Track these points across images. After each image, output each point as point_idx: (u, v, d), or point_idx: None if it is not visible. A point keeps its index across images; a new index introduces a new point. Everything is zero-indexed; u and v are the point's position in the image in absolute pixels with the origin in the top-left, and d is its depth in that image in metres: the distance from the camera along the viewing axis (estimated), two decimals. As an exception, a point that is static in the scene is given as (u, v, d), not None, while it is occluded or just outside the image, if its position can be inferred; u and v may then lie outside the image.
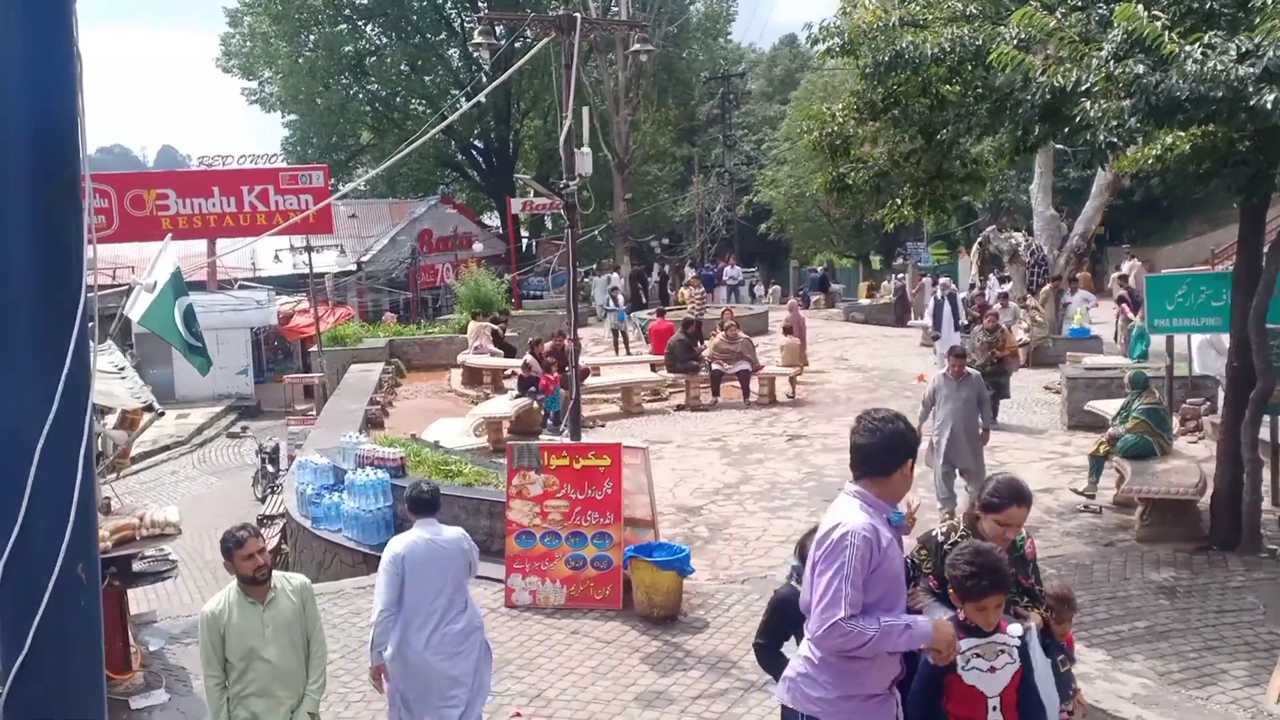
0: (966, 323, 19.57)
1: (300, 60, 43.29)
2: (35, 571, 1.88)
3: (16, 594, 1.89)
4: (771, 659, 4.58)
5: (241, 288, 31.63)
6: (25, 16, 1.91)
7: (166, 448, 23.70)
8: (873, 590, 3.74)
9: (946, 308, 19.77)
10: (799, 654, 4.02)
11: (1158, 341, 14.26)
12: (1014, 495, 4.38)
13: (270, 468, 19.48)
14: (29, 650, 1.87)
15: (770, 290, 40.37)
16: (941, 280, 23.49)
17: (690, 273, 33.77)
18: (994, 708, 3.92)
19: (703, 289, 28.12)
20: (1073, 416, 14.46)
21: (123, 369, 7.81)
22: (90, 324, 2.03)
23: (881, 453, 3.87)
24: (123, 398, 7.31)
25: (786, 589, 4.67)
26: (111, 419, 7.90)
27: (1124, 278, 22.38)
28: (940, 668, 3.90)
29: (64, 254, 1.96)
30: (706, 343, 18.75)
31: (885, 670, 3.87)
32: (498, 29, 13.57)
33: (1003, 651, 3.94)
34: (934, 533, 4.56)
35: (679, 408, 17.76)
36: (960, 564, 3.97)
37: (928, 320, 20.87)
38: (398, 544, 5.99)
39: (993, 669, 3.92)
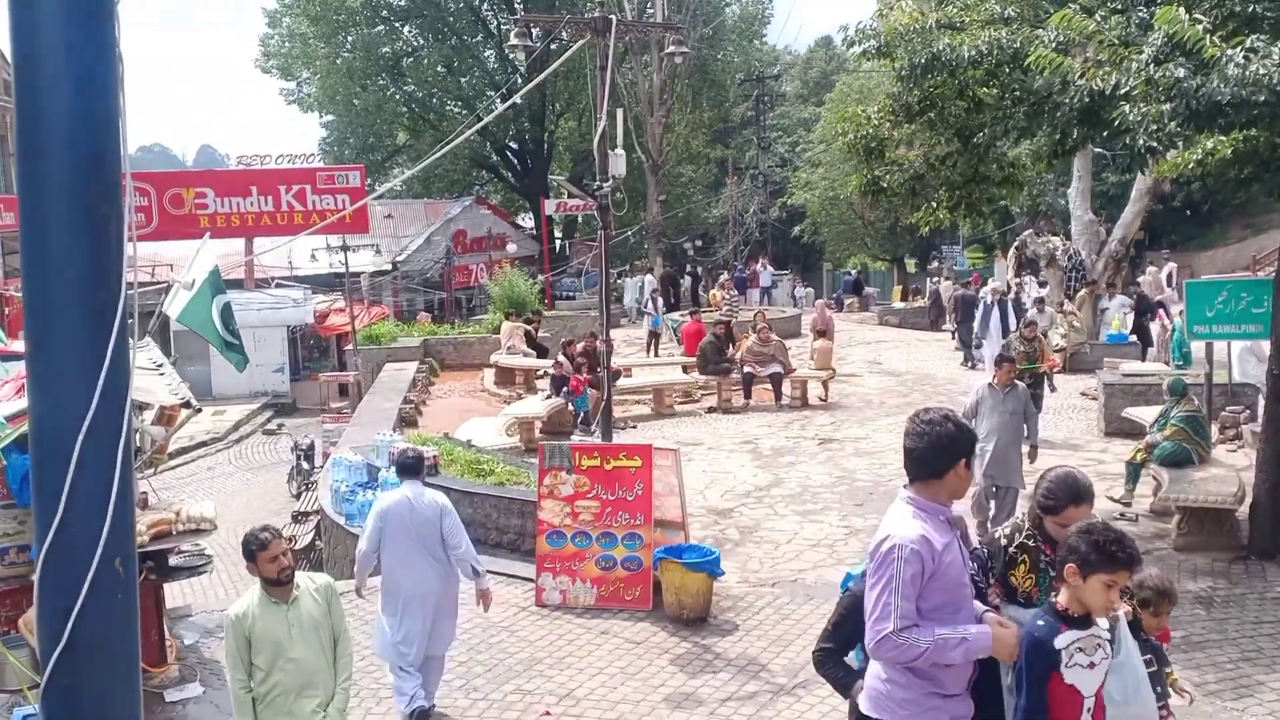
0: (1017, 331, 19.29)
1: (338, 61, 43.66)
2: (74, 565, 1.90)
3: (55, 587, 1.92)
4: (835, 666, 4.21)
5: (278, 286, 31.96)
6: (67, 18, 1.94)
7: (203, 444, 23.99)
8: (930, 599, 3.66)
9: (995, 314, 19.24)
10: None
11: (1197, 348, 14.06)
12: (1071, 494, 4.05)
13: (305, 465, 19.68)
14: (66, 643, 1.90)
15: (805, 293, 40.21)
16: (992, 284, 23.14)
17: (724, 276, 33.65)
18: (1088, 710, 3.67)
19: (735, 291, 27.98)
20: (1110, 423, 14.30)
21: (161, 365, 7.90)
22: (130, 321, 2.06)
23: (932, 455, 3.76)
24: (160, 394, 7.39)
25: (863, 589, 4.18)
26: (149, 415, 7.99)
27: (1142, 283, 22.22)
28: (1046, 667, 3.62)
29: (104, 252, 1.99)
30: (738, 345, 18.72)
31: (961, 672, 3.78)
32: (534, 31, 13.60)
33: (1100, 645, 3.71)
34: (997, 535, 4.36)
35: (710, 410, 17.74)
36: (1098, 530, 3.66)
37: (977, 326, 20.31)
38: (384, 500, 7.23)
39: (1092, 665, 3.69)
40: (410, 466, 7.21)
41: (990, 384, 10.16)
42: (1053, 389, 13.48)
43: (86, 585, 1.89)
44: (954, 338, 23.68)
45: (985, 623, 3.75)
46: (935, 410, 3.89)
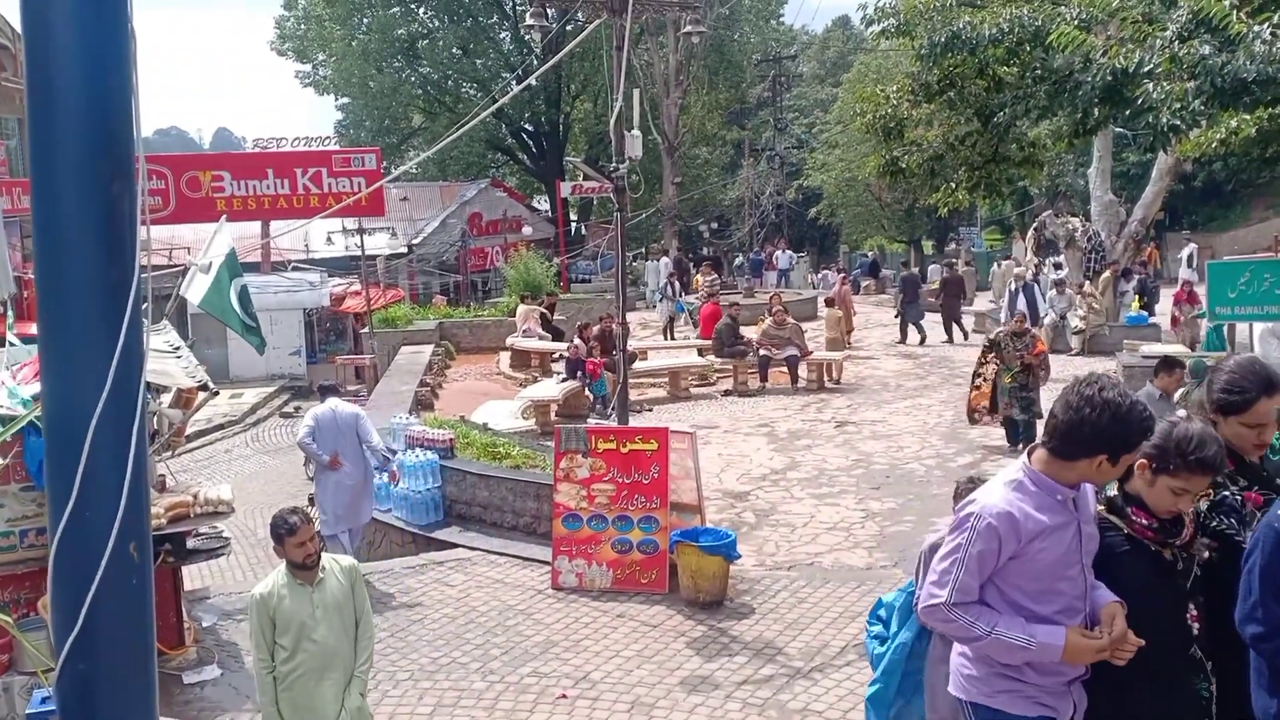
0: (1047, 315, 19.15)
1: (353, 43, 43.64)
2: (88, 550, 1.88)
3: (69, 572, 1.90)
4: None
5: (295, 269, 32.00)
6: (78, -1, 1.91)
7: (220, 426, 24.05)
8: (1011, 582, 3.27)
9: (1022, 300, 18.84)
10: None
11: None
12: (1263, 384, 3.34)
13: (321, 447, 19.68)
14: (81, 628, 1.88)
15: (821, 275, 40.00)
16: (1017, 271, 22.73)
17: (705, 263, 33.27)
18: None
19: (714, 276, 27.50)
20: (1129, 406, 14.18)
21: (178, 348, 7.91)
22: (144, 304, 2.03)
23: (1070, 433, 3.18)
24: (178, 376, 7.41)
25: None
26: (167, 398, 8.02)
27: (1143, 263, 22.02)
28: None
29: (118, 234, 1.96)
30: (755, 327, 18.66)
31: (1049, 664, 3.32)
32: (549, 11, 13.51)
33: None
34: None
35: (726, 393, 17.70)
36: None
37: (1003, 313, 19.60)
38: (315, 410, 9.70)
39: None
40: (330, 388, 10.35)
41: (1155, 392, 8.60)
42: (1045, 376, 12.42)
43: (100, 570, 1.87)
44: (896, 318, 23.64)
45: (1101, 616, 3.27)
46: (1107, 387, 3.18)
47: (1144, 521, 3.36)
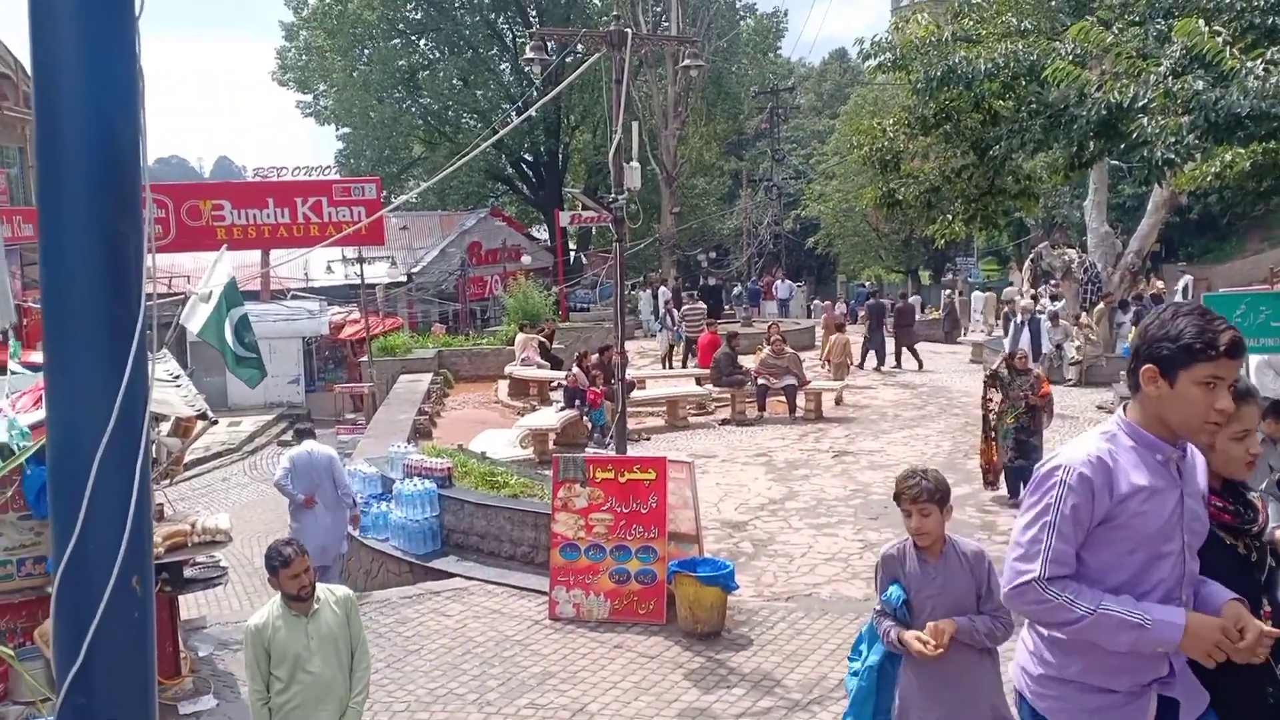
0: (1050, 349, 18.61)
1: (354, 74, 43.94)
2: (91, 582, 1.88)
3: (72, 605, 1.90)
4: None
5: (294, 298, 32.06)
6: (88, 29, 1.93)
7: (218, 455, 24.02)
8: (1102, 549, 2.80)
9: (1026, 333, 18.14)
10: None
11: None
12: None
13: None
14: (82, 661, 1.88)
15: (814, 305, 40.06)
16: (1024, 303, 21.99)
17: (685, 294, 33.29)
18: None
19: (700, 305, 27.50)
20: (1126, 437, 14.20)
21: (177, 377, 7.93)
22: (149, 333, 2.05)
23: (1137, 356, 2.82)
24: (177, 405, 7.42)
25: None
26: (166, 426, 8.02)
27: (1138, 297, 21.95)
28: None
29: (124, 264, 1.97)
30: (754, 356, 18.71)
31: (1144, 663, 2.84)
32: (549, 44, 13.63)
33: None
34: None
35: (724, 422, 17.71)
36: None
37: (1006, 346, 18.80)
38: (290, 453, 10.32)
39: None
40: (307, 431, 11.05)
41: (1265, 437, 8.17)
42: (1048, 419, 11.76)
43: (103, 602, 1.87)
44: (864, 348, 23.93)
45: (1224, 613, 2.78)
46: (1188, 306, 2.91)
47: (1218, 504, 3.07)
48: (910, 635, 4.29)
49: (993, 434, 11.60)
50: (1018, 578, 2.84)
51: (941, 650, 4.16)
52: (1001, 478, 11.89)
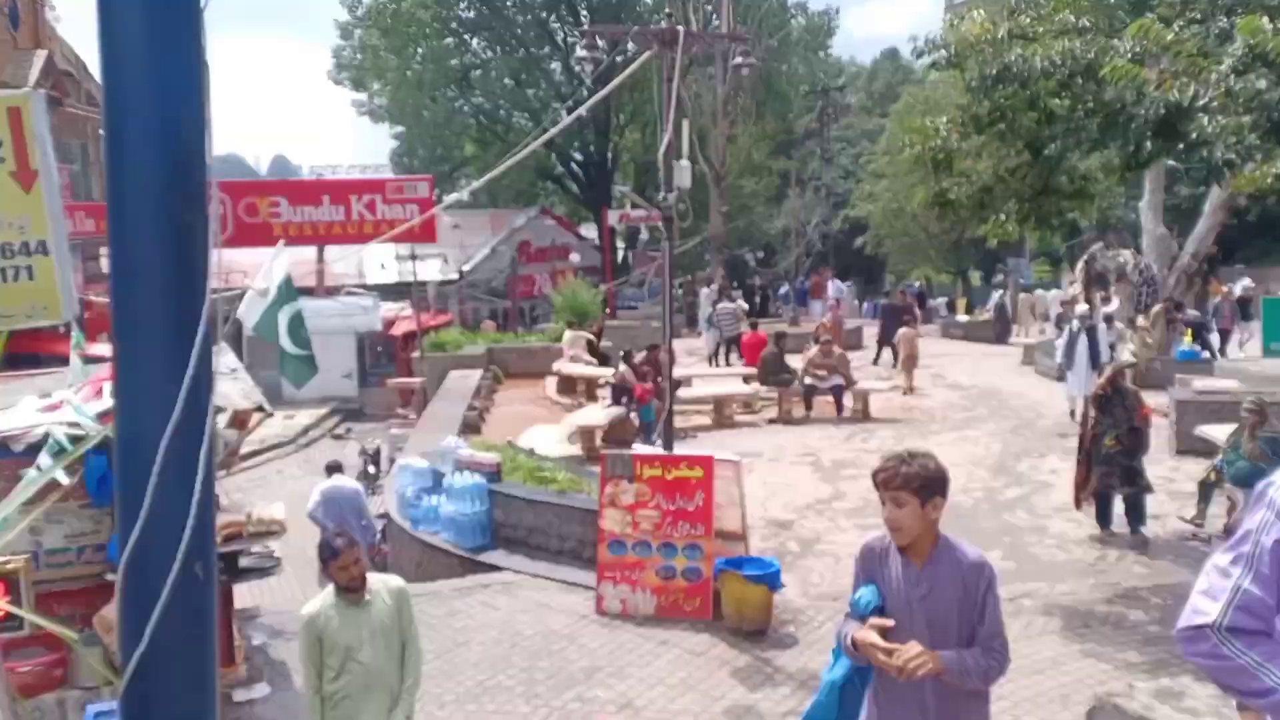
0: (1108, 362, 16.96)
1: (408, 73, 44.31)
2: (155, 570, 1.91)
3: (137, 592, 1.94)
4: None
5: (348, 294, 32.45)
6: (155, 25, 1.95)
7: (273, 447, 24.40)
8: None
9: (1082, 342, 16.27)
10: None
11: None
12: None
13: (372, 469, 19.93)
14: (146, 647, 1.92)
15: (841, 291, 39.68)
16: (1080, 309, 19.63)
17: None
18: None
19: (730, 305, 27.42)
20: (1182, 441, 13.95)
21: (235, 370, 8.07)
22: (213, 327, 2.10)
23: None
24: (235, 398, 7.56)
25: None
26: (223, 418, 8.17)
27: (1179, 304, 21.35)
28: None
29: (190, 259, 2.01)
30: (801, 356, 18.63)
31: None
32: (601, 42, 13.68)
33: None
34: None
35: (771, 421, 17.65)
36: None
37: (1058, 356, 17.21)
38: (322, 486, 11.46)
39: None
40: (335, 466, 12.17)
41: None
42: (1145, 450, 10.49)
43: (167, 590, 1.91)
44: (878, 351, 24.20)
45: None
46: None
47: None
48: (868, 633, 3.56)
49: (1087, 455, 10.49)
50: (1192, 618, 2.20)
51: (906, 675, 3.45)
52: (1089, 503, 10.74)
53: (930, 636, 3.53)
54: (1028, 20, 9.18)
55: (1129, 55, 7.77)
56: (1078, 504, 10.89)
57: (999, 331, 28.94)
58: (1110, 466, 10.33)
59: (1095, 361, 15.80)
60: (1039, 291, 33.95)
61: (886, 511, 3.62)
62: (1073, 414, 15.97)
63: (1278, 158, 8.29)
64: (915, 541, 3.64)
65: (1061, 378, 17.09)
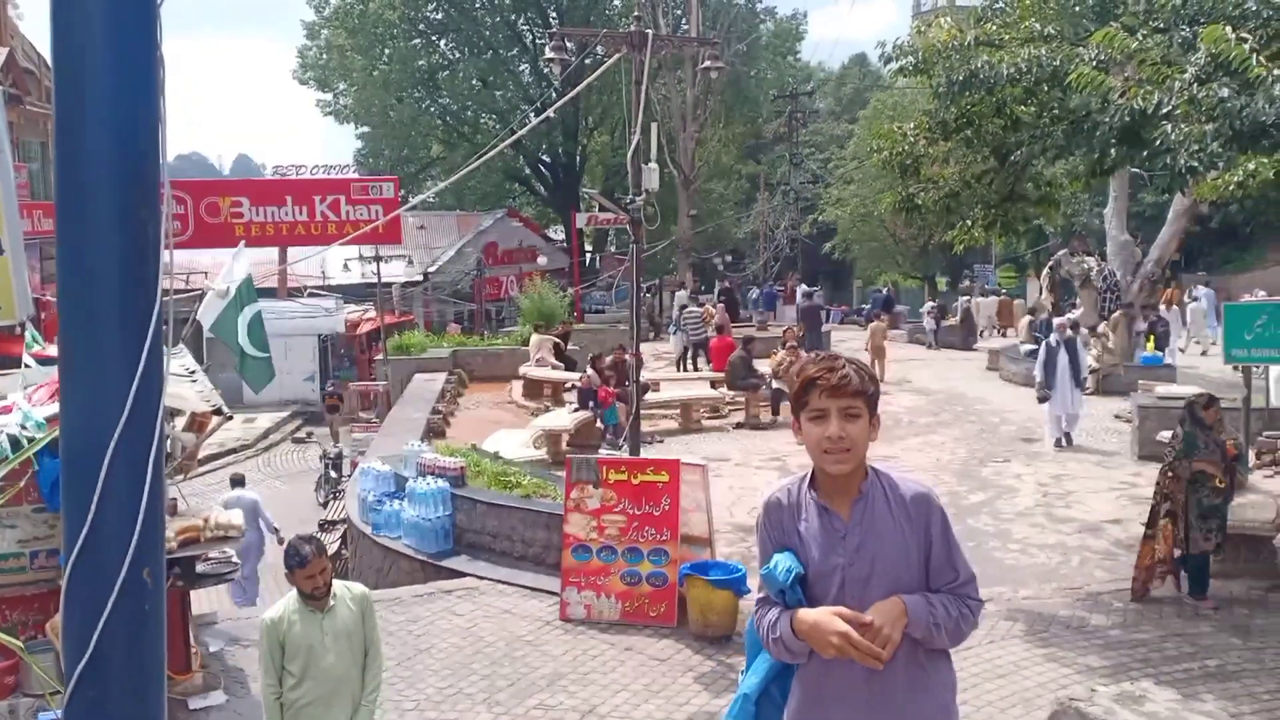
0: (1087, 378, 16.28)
1: (374, 74, 44.08)
2: (102, 574, 1.87)
3: (83, 596, 1.89)
4: None
5: (311, 295, 32.17)
6: (110, 19, 1.92)
7: (233, 451, 24.13)
8: None
9: (1063, 356, 14.90)
10: None
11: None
12: None
13: (333, 473, 19.76)
14: (92, 653, 1.87)
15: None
16: (1058, 320, 17.79)
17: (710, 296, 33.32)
18: None
19: (696, 310, 27.51)
20: (1144, 446, 14.08)
21: (193, 372, 7.94)
22: (165, 328, 2.03)
23: None
24: (192, 400, 7.43)
25: None
26: (181, 421, 8.03)
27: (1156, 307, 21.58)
28: None
29: (142, 258, 1.96)
30: (769, 360, 18.65)
31: None
32: (569, 45, 13.63)
33: None
34: None
35: (738, 425, 17.66)
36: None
37: (1037, 374, 15.49)
38: (224, 497, 13.31)
39: None
40: (239, 480, 14.81)
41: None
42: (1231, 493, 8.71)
43: (114, 595, 1.86)
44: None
45: None
46: None
47: None
48: (823, 614, 2.71)
49: (1164, 522, 8.55)
50: None
51: (888, 655, 2.71)
52: (1160, 571, 8.77)
53: (867, 605, 2.77)
54: (994, 27, 9.22)
55: (1094, 63, 7.82)
56: (1146, 590, 8.73)
57: (965, 337, 29.18)
58: (1216, 519, 8.46)
59: (1077, 377, 15.08)
60: (981, 299, 34.06)
61: (833, 428, 2.79)
62: (1059, 441, 15.09)
63: (1239, 166, 8.39)
64: (845, 478, 2.87)
65: (1045, 399, 15.17)
